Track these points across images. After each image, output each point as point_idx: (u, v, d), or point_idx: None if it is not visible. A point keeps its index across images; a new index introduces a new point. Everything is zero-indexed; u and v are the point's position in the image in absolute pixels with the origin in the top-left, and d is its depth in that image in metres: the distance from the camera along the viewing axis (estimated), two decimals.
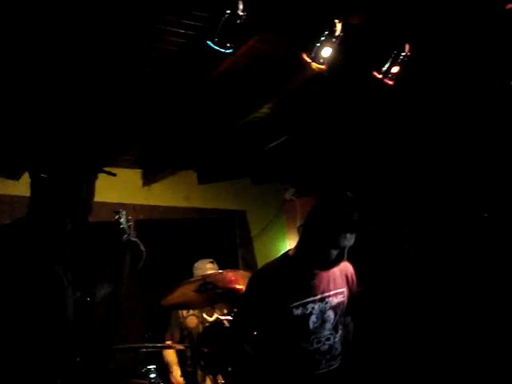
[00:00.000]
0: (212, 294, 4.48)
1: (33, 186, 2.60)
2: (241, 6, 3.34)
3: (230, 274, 4.68)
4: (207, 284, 4.42)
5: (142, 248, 3.03)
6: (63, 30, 3.53)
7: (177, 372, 5.10)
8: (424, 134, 5.19)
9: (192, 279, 4.67)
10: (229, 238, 7.09)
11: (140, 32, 3.71)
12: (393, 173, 5.70)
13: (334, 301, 3.03)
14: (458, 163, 5.15)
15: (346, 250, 2.87)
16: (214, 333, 4.35)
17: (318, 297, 2.98)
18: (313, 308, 2.95)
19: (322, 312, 2.98)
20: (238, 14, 3.34)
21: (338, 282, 3.07)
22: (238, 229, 7.18)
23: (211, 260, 5.39)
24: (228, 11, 3.35)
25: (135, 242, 3.03)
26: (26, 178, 5.80)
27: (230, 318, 4.38)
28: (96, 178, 2.79)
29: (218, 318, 4.44)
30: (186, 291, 4.54)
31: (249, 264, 6.92)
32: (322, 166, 6.36)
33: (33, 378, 2.23)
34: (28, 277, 2.32)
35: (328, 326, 3.00)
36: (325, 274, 3.02)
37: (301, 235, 3.02)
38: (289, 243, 7.23)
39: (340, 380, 3.05)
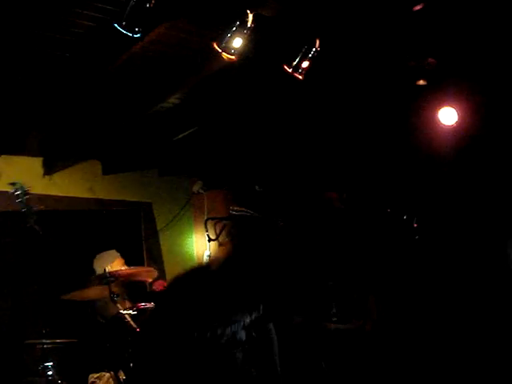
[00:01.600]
0: (114, 287, 4.35)
1: None
2: None
3: (131, 269, 4.61)
4: (110, 277, 4.30)
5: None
6: None
7: None
8: (333, 129, 5.27)
9: (94, 276, 4.55)
10: (134, 231, 6.91)
11: (48, 13, 3.53)
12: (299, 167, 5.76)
13: None
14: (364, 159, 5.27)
15: None
16: (115, 327, 4.22)
17: None
18: None
19: None
20: None
21: None
22: (144, 221, 7.01)
23: (112, 251, 5.18)
24: None
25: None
26: None
27: (131, 312, 4.27)
28: None
29: (118, 312, 4.30)
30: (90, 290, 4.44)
31: (154, 257, 6.79)
32: (231, 159, 6.32)
33: None
34: None
35: None
36: None
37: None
38: (195, 237, 7.15)
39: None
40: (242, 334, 2.95)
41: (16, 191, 2.96)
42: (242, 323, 2.95)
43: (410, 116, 4.79)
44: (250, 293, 3.00)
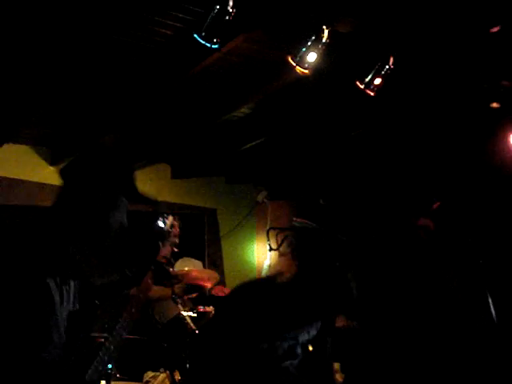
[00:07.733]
0: (177, 288, 4.45)
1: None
2: (231, 3, 3.34)
3: (196, 272, 4.69)
4: (173, 278, 4.39)
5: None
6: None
7: None
8: (400, 146, 5.25)
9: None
10: (197, 236, 7.04)
11: (128, 21, 3.68)
12: (363, 181, 5.75)
13: None
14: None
15: None
16: (174, 328, 4.32)
17: None
18: None
19: None
20: (227, 10, 3.34)
21: None
22: (208, 227, 7.14)
23: (198, 262, 5.36)
24: (217, 6, 3.35)
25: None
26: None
27: (191, 314, 4.36)
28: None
29: (179, 313, 4.39)
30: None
31: (215, 263, 6.89)
32: (296, 171, 6.37)
33: None
34: (17, 290, 2.27)
35: None
36: None
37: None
38: (257, 245, 7.22)
39: None
40: (298, 349, 2.99)
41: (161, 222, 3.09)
42: (299, 340, 2.99)
43: (481, 139, 4.71)
44: (310, 312, 3.03)
